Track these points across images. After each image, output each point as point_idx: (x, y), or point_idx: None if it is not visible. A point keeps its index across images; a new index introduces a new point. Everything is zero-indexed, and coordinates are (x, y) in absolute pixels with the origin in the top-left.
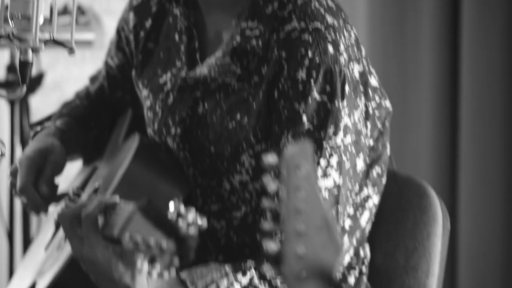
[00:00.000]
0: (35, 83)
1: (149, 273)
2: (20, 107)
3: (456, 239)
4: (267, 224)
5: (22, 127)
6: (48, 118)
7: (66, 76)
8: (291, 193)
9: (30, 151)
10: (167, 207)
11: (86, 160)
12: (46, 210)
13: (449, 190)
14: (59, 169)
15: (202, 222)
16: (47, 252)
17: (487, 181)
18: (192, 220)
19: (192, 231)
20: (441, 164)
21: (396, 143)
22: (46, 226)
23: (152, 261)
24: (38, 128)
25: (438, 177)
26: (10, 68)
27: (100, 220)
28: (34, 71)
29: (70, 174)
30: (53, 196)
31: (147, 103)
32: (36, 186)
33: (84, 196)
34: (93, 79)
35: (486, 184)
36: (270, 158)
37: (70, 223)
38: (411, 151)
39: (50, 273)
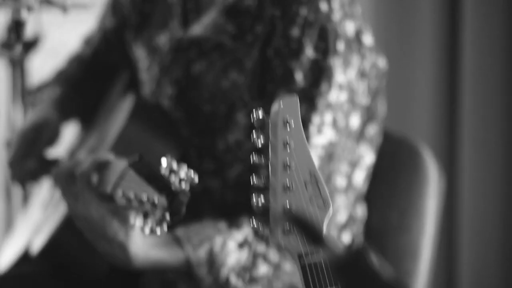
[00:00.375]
0: (32, 44)
1: (142, 229)
2: (20, 68)
3: (456, 199)
4: (255, 179)
5: (23, 88)
6: (44, 86)
7: (71, 39)
8: (279, 148)
9: (26, 126)
10: (160, 164)
11: (83, 121)
12: (30, 184)
13: (448, 151)
14: (52, 143)
15: (194, 177)
16: (44, 210)
17: (488, 143)
18: (184, 176)
19: (184, 186)
20: (440, 125)
21: (394, 103)
22: (44, 185)
23: (144, 217)
24: (36, 96)
25: (436, 138)
26: (10, 28)
27: (95, 178)
28: (33, 33)
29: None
30: (41, 170)
31: (142, 65)
32: (25, 160)
33: (81, 155)
34: (87, 42)
35: (486, 145)
36: (258, 114)
37: (65, 181)
38: (410, 112)
39: (45, 232)
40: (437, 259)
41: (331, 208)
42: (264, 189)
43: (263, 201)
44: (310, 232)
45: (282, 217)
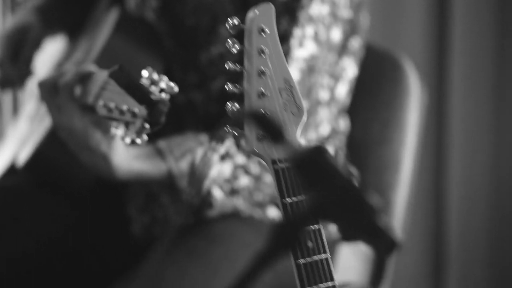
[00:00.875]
0: None
1: (123, 139)
2: None
3: (444, 118)
4: (230, 86)
5: (12, 2)
6: None
7: None
8: (254, 56)
9: (9, 28)
10: (140, 75)
11: (69, 34)
12: (20, 86)
13: (437, 67)
14: (38, 45)
15: (173, 88)
16: (30, 122)
17: (476, 57)
18: (164, 86)
19: (164, 97)
20: (430, 41)
21: (383, 18)
22: (32, 97)
23: (125, 127)
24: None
25: (425, 55)
26: None
27: (78, 90)
28: None
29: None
30: (30, 71)
31: None
32: (14, 62)
33: (67, 67)
34: None
35: (475, 59)
36: (234, 21)
37: (48, 92)
38: (398, 25)
39: (31, 144)
40: (424, 174)
41: (305, 115)
42: (239, 96)
43: (237, 107)
44: (270, 128)
45: (256, 124)
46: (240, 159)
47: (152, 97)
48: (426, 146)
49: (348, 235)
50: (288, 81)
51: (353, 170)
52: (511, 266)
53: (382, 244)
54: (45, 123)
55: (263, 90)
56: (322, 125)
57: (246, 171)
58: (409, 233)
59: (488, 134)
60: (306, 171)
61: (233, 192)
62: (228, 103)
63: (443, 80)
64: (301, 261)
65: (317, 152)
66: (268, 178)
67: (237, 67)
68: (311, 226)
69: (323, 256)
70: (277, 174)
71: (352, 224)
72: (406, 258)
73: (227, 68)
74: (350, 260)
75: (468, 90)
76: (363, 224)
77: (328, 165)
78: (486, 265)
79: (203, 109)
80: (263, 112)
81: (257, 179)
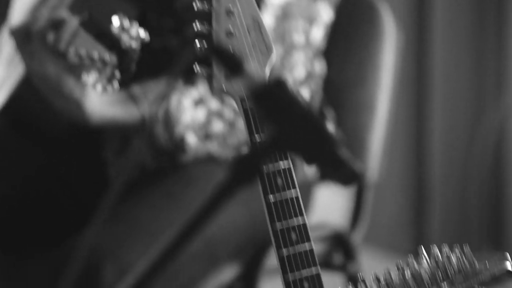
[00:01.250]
0: None
1: (94, 86)
2: None
3: (424, 58)
4: (199, 26)
5: None
6: None
7: None
8: None
9: None
10: (111, 22)
11: None
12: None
13: (417, 9)
14: None
15: (144, 36)
16: (7, 66)
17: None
18: (134, 34)
19: (134, 44)
20: None
21: None
22: (8, 41)
23: (96, 74)
24: None
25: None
26: None
27: (51, 37)
28: None
29: None
30: (7, 15)
31: None
32: None
33: (43, 12)
34: None
35: (456, 5)
36: None
37: (21, 39)
38: None
39: (7, 88)
40: (406, 115)
41: (273, 53)
42: (207, 35)
43: (206, 46)
44: (229, 60)
45: (224, 63)
46: (214, 104)
47: (122, 45)
48: (407, 88)
49: (311, 164)
50: (256, 20)
51: (330, 113)
52: (494, 203)
53: (343, 175)
54: (21, 67)
55: (231, 29)
56: (296, 68)
57: (220, 117)
58: (390, 174)
59: (469, 75)
60: (266, 103)
61: (207, 137)
62: (196, 41)
63: (423, 24)
64: (271, 198)
65: (277, 84)
66: (242, 123)
67: (206, 7)
68: (279, 163)
69: (293, 193)
70: (246, 112)
71: (313, 155)
72: (387, 199)
73: (195, 9)
74: (329, 201)
75: (448, 34)
76: (324, 155)
77: (287, 97)
78: (469, 205)
79: (179, 54)
80: (223, 46)
81: (231, 124)
